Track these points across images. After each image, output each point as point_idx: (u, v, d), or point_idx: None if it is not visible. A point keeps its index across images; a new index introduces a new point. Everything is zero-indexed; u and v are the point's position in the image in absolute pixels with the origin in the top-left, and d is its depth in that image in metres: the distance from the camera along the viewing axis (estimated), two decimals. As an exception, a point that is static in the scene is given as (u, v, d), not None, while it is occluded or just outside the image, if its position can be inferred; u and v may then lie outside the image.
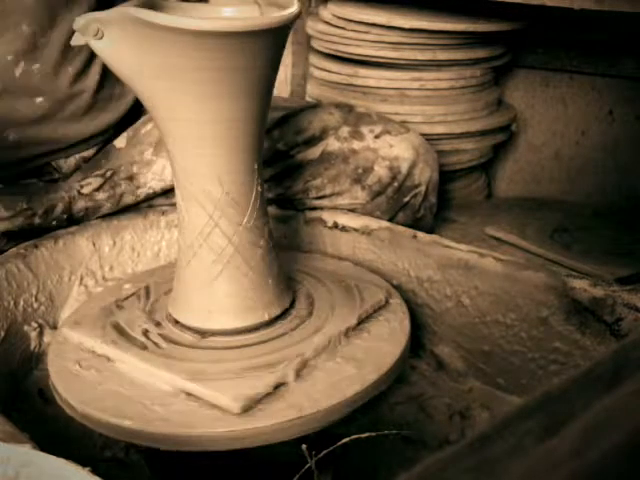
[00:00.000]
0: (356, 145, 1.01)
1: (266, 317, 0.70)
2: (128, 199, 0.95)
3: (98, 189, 0.93)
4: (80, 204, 0.92)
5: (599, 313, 0.74)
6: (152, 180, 0.96)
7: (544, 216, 1.32)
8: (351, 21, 1.32)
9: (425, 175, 1.04)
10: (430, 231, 1.09)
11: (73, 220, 0.92)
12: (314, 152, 1.01)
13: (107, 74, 0.95)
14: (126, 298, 0.77)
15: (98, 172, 0.95)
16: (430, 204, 1.07)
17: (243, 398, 0.59)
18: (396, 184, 1.01)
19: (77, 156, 0.98)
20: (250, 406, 0.59)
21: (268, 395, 0.61)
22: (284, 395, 0.62)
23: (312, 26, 1.40)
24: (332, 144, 1.01)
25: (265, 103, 0.67)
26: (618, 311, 0.73)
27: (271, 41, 0.62)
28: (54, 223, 0.90)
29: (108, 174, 0.94)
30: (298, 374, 0.64)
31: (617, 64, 1.39)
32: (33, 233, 0.88)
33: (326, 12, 1.36)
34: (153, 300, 0.77)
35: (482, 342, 0.84)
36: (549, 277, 0.78)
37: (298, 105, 1.05)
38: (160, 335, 0.70)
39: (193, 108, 0.63)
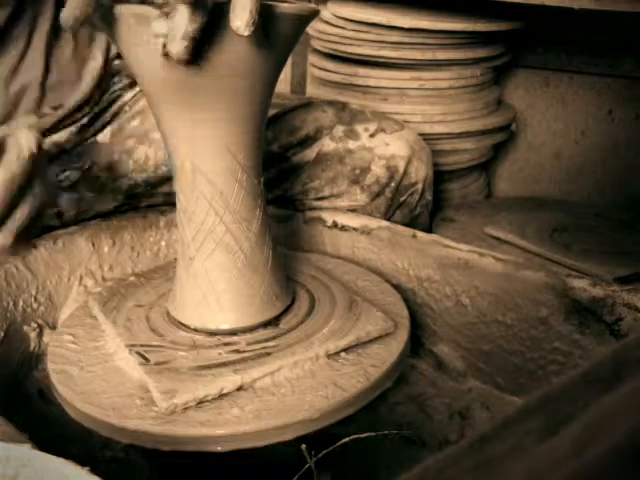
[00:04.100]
0: (351, 145, 1.01)
1: (244, 324, 0.69)
2: (108, 190, 0.93)
3: (78, 182, 0.92)
4: (64, 198, 0.91)
5: (599, 313, 0.74)
6: (133, 171, 0.94)
7: (544, 216, 1.32)
8: (351, 21, 1.32)
9: (421, 173, 1.03)
10: (426, 229, 1.09)
11: (65, 219, 0.91)
12: (310, 154, 1.00)
13: (51, 62, 0.88)
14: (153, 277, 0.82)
15: (76, 165, 0.92)
16: (426, 201, 1.07)
17: (172, 400, 0.59)
18: (393, 184, 1.01)
19: (48, 142, 0.90)
20: (175, 410, 0.59)
21: (200, 403, 0.60)
22: (211, 409, 0.60)
23: (312, 26, 1.40)
24: (327, 144, 1.00)
25: (260, 104, 0.66)
26: (618, 311, 0.73)
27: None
28: (45, 221, 0.89)
29: (86, 166, 0.92)
30: (241, 389, 0.62)
31: (617, 64, 1.40)
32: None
33: (326, 12, 1.36)
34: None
35: (482, 342, 0.84)
36: (549, 277, 0.78)
37: (289, 102, 1.04)
38: (145, 318, 0.72)
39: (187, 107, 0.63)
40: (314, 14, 0.63)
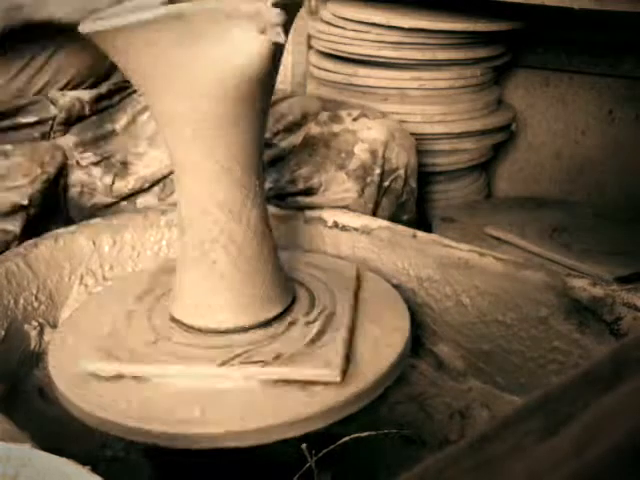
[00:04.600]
0: (336, 128, 1.03)
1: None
2: (119, 184, 0.99)
3: (95, 164, 0.99)
4: (77, 174, 0.98)
5: (598, 312, 0.74)
6: (142, 168, 1.00)
7: (544, 216, 1.32)
8: (351, 21, 1.32)
9: (402, 159, 1.05)
10: (414, 217, 1.11)
11: (68, 197, 0.97)
12: (296, 139, 1.03)
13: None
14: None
15: (97, 150, 0.99)
16: (411, 189, 1.09)
17: None
18: (378, 170, 1.02)
19: (72, 95, 0.97)
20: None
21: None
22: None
23: (312, 26, 1.40)
24: (313, 129, 1.03)
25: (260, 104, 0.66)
26: (617, 310, 0.73)
27: None
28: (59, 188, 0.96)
29: (106, 154, 0.99)
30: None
31: (617, 64, 1.40)
32: (32, 225, 0.90)
33: (326, 12, 1.36)
34: None
35: (482, 341, 0.84)
36: (549, 276, 0.79)
37: (279, 95, 1.07)
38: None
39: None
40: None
